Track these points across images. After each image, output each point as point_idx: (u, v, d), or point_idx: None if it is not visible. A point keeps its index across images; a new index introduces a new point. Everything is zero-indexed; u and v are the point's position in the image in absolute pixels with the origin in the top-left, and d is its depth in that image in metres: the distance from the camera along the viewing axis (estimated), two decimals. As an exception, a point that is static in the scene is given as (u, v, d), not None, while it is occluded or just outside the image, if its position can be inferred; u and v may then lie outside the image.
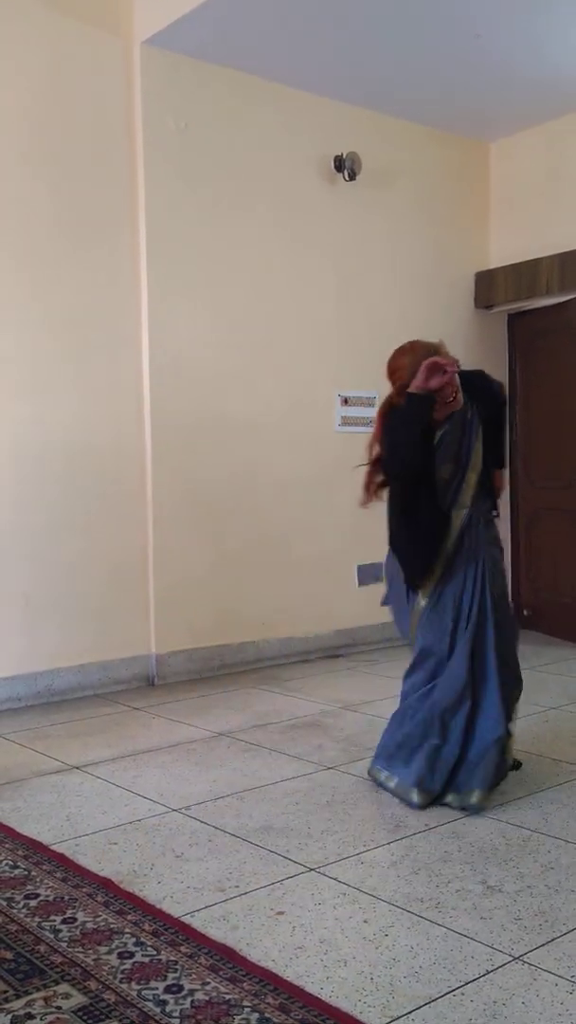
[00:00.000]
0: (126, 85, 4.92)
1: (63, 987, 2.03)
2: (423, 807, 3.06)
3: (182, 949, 2.18)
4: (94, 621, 4.84)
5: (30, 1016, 1.92)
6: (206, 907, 2.41)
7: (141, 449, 4.99)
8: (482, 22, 4.73)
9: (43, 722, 4.32)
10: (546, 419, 6.28)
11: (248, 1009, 1.92)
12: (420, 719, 3.16)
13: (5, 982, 2.05)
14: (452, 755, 3.10)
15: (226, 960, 2.12)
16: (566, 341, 6.00)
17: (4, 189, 4.55)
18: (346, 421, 5.68)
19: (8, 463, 4.58)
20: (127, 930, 2.28)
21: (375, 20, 4.68)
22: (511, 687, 3.30)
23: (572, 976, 2.04)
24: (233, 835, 2.90)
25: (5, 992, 2.01)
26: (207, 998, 1.96)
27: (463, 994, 1.98)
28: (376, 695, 4.61)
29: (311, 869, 2.63)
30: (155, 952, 2.16)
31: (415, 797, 3.08)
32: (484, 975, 2.05)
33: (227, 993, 1.98)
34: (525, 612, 6.51)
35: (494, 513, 3.35)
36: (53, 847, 2.82)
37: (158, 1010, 1.92)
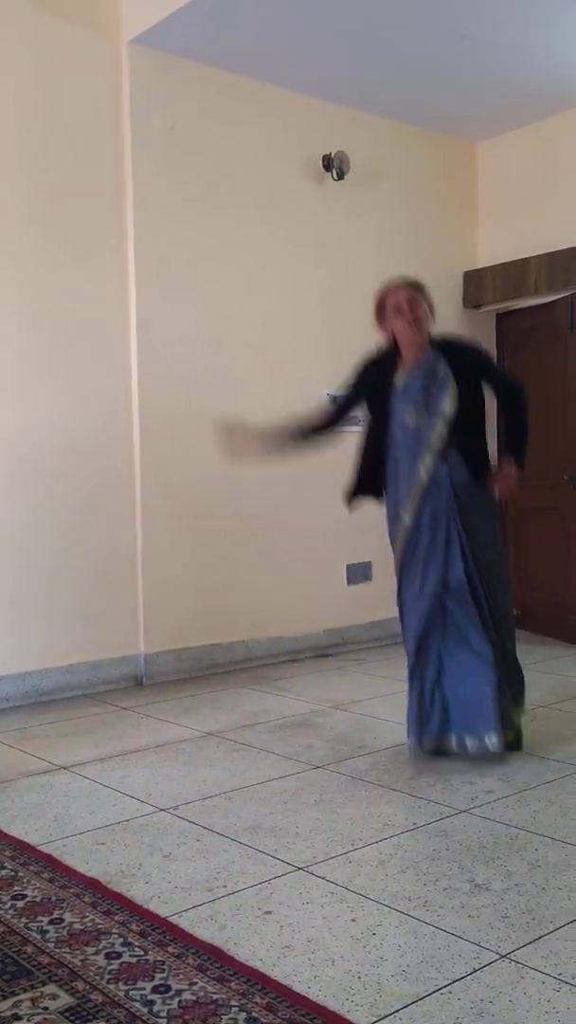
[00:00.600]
0: (113, 84, 4.91)
1: (50, 988, 2.02)
2: (429, 752, 3.42)
3: (169, 949, 2.17)
4: (82, 621, 4.83)
5: (17, 1017, 1.92)
6: (194, 907, 2.41)
7: (129, 448, 4.98)
8: (469, 23, 4.74)
9: (31, 722, 4.30)
10: (534, 418, 6.26)
11: (236, 1009, 1.92)
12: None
13: (-8, 983, 2.05)
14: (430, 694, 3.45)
15: (214, 960, 2.12)
16: (554, 340, 6.02)
17: (-9, 188, 4.54)
18: (335, 420, 5.67)
19: (-5, 462, 4.57)
20: (114, 930, 2.27)
21: (363, 20, 4.68)
22: (510, 665, 3.51)
23: (559, 974, 2.05)
24: (221, 835, 2.89)
25: (-8, 993, 2.00)
26: (194, 998, 1.96)
27: (450, 992, 1.98)
28: (365, 694, 4.62)
29: (299, 868, 2.63)
30: (142, 952, 2.16)
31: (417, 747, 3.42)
32: (471, 973, 2.06)
33: (215, 993, 1.98)
34: (513, 611, 6.51)
35: (480, 482, 3.44)
36: (40, 847, 2.81)
37: (145, 1010, 1.92)
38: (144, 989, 2.00)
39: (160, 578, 5.04)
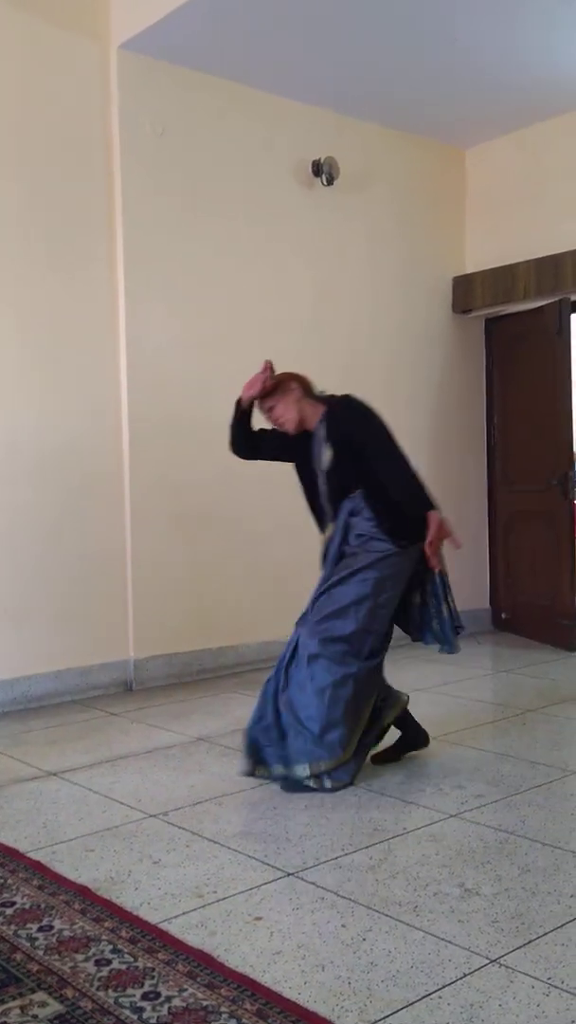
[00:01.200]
0: (103, 89, 4.91)
1: (39, 995, 2.01)
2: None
3: (159, 956, 2.17)
4: (72, 626, 4.82)
5: (6, 1025, 1.91)
6: (184, 913, 2.40)
7: (119, 453, 4.98)
8: (458, 29, 4.76)
9: (20, 728, 4.29)
10: (523, 423, 6.32)
11: (226, 1015, 1.91)
12: None
13: (-20, 991, 2.04)
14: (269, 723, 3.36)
15: (203, 966, 2.11)
16: (543, 345, 6.04)
17: (-20, 192, 4.54)
18: (324, 425, 5.68)
19: (-16, 468, 4.56)
20: (104, 937, 2.26)
21: (352, 26, 4.69)
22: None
23: (549, 978, 2.05)
24: (211, 840, 2.89)
25: (-20, 1001, 2.00)
26: (184, 1004, 1.96)
27: (440, 997, 1.98)
28: (355, 699, 4.62)
29: (289, 874, 2.63)
30: (132, 959, 2.15)
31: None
32: (461, 978, 2.06)
33: (204, 999, 1.97)
34: (503, 615, 6.54)
35: (373, 537, 3.41)
36: (29, 854, 2.80)
37: (135, 1017, 1.91)
38: (134, 996, 2.00)
39: (150, 583, 5.04)
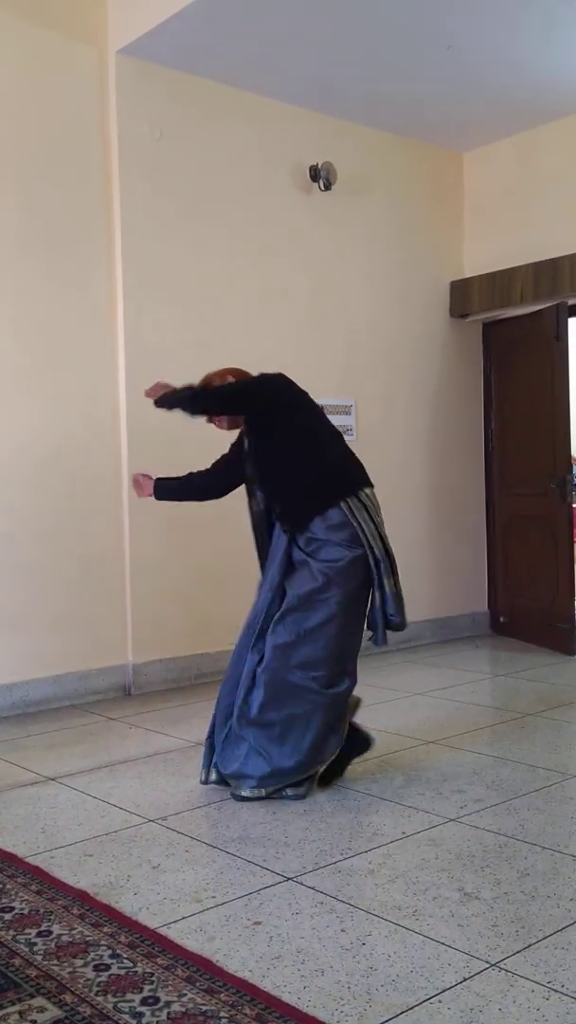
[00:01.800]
0: (101, 94, 4.92)
1: (38, 1000, 2.01)
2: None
3: (158, 961, 2.16)
4: (70, 631, 4.81)
5: (4, 1031, 1.90)
6: (183, 918, 2.40)
7: (118, 457, 4.98)
8: (454, 34, 4.77)
9: (18, 733, 4.28)
10: (521, 427, 6.32)
11: (225, 1020, 1.91)
12: None
13: (-21, 997, 2.03)
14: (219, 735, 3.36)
15: (203, 971, 2.11)
16: (540, 350, 6.05)
17: (-22, 197, 4.54)
18: (322, 429, 5.68)
19: (-17, 472, 4.56)
20: (103, 942, 2.26)
21: (350, 31, 4.71)
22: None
23: (549, 982, 2.05)
24: (210, 845, 2.88)
25: (-21, 1007, 1.99)
26: (184, 1010, 1.95)
27: (440, 1002, 1.98)
28: (353, 703, 4.61)
29: (288, 879, 2.63)
30: (131, 964, 2.15)
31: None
32: (461, 982, 2.05)
33: (204, 1004, 1.97)
34: (501, 619, 6.54)
35: (284, 526, 3.35)
36: (28, 859, 2.79)
37: (134, 1022, 1.91)
38: (133, 1001, 1.99)
39: (148, 588, 5.03)
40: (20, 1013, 1.96)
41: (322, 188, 5.66)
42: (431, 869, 2.66)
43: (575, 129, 5.88)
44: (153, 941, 2.26)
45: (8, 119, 4.62)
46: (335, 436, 3.47)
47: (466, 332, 6.56)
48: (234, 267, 5.37)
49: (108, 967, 2.14)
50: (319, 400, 5.69)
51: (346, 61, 5.05)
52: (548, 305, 5.93)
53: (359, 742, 3.47)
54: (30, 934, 2.31)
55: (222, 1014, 1.93)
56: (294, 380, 3.52)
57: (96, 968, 2.13)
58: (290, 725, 3.22)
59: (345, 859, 2.75)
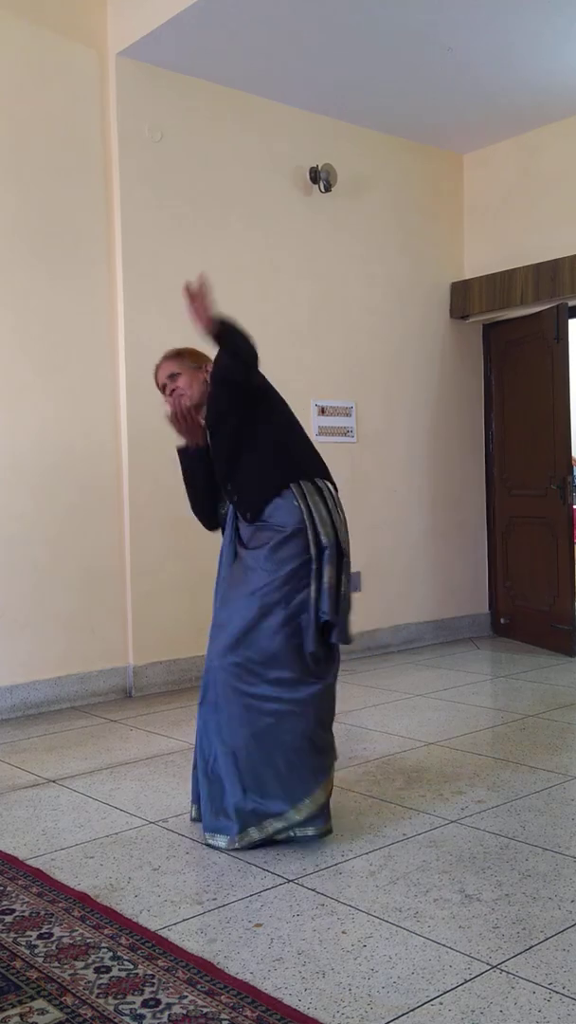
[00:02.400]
0: (101, 96, 4.93)
1: (39, 1003, 2.01)
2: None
3: (159, 963, 2.16)
4: (70, 633, 4.81)
5: (5, 1033, 1.90)
6: (184, 920, 2.39)
7: (118, 459, 4.98)
8: (454, 36, 4.77)
9: (19, 735, 4.28)
10: (521, 428, 6.33)
11: (226, 1022, 1.91)
12: None
13: (-20, 999, 2.03)
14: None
15: (204, 973, 2.11)
16: (541, 351, 6.05)
17: (-22, 200, 4.55)
18: (323, 431, 5.68)
19: (-17, 474, 4.56)
20: (104, 944, 2.26)
21: (349, 33, 4.71)
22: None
23: (550, 984, 2.04)
24: (211, 847, 2.88)
25: (-20, 1009, 1.99)
26: (184, 1012, 1.95)
27: (441, 1004, 1.98)
28: (355, 705, 4.61)
29: (289, 880, 2.63)
30: (132, 966, 2.15)
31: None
32: (462, 984, 2.05)
33: (205, 1006, 1.97)
34: (502, 620, 6.54)
35: (242, 511, 3.08)
36: (29, 862, 2.79)
37: (135, 1025, 1.91)
38: (134, 1003, 1.99)
39: (149, 589, 5.03)
40: (21, 1015, 1.96)
41: (322, 190, 5.67)
42: (432, 871, 2.66)
43: (575, 131, 5.89)
44: (154, 943, 2.26)
45: (9, 121, 4.63)
46: (300, 428, 3.31)
47: (466, 333, 6.56)
48: (234, 269, 5.37)
49: (109, 969, 2.14)
50: (319, 401, 5.75)
51: (346, 63, 5.06)
52: (548, 306, 5.93)
53: None
54: (31, 936, 2.31)
55: (223, 1016, 1.93)
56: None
57: (97, 970, 2.13)
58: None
59: (346, 861, 2.75)
